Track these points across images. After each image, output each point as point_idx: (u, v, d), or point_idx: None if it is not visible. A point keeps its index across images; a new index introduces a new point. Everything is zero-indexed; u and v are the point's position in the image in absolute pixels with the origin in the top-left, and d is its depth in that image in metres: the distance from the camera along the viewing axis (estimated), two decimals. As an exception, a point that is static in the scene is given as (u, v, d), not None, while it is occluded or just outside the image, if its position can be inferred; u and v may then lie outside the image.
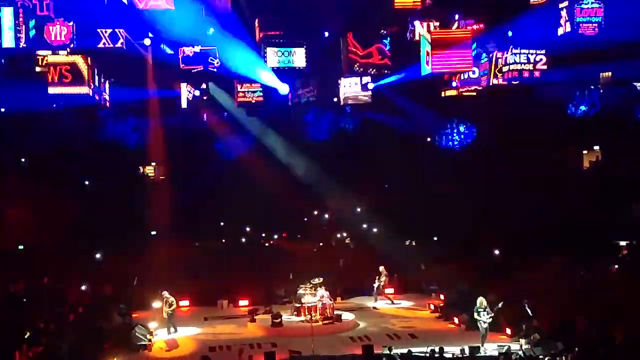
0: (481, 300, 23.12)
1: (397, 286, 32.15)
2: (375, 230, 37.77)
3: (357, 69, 25.10)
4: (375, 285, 31.26)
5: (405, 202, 36.96)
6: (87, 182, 39.45)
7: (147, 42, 23.84)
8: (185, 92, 30.50)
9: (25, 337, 22.35)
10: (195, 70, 25.22)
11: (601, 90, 35.84)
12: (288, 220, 40.60)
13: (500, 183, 34.18)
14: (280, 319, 26.53)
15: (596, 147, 32.44)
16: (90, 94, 24.82)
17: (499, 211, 32.63)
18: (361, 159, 40.06)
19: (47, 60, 23.93)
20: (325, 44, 27.90)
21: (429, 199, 36.12)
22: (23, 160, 39.30)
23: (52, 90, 23.58)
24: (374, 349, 22.07)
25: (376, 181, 40.61)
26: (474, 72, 25.60)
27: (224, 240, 40.88)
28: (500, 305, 23.10)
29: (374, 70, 25.11)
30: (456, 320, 26.41)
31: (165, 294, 26.59)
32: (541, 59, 25.12)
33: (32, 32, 22.05)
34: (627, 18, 25.68)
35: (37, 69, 24.62)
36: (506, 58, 25.15)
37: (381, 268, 31.27)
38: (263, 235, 41.55)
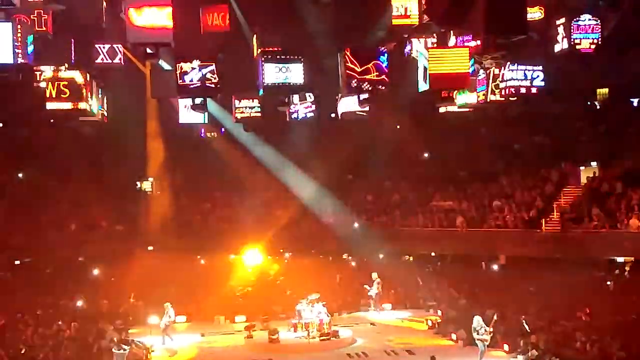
0: (478, 319, 23.14)
1: (395, 301, 32.12)
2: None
3: (355, 85, 24.94)
4: (372, 293, 31.18)
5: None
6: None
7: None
8: (183, 107, 30.42)
9: (22, 352, 22.35)
10: (194, 86, 25.10)
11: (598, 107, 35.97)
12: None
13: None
14: (277, 335, 26.49)
15: (593, 163, 32.44)
16: (89, 110, 24.71)
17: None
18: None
19: (45, 76, 23.87)
20: (323, 60, 27.89)
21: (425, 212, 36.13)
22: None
23: (50, 105, 23.50)
24: (371, 366, 22.16)
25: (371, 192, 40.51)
26: (471, 89, 25.47)
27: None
28: (494, 317, 23.13)
29: (372, 86, 24.94)
30: (454, 336, 26.34)
31: (168, 305, 27.02)
32: (538, 75, 24.95)
33: (31, 48, 21.94)
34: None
35: (35, 84, 24.58)
36: (503, 74, 24.99)
37: (374, 275, 31.25)
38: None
